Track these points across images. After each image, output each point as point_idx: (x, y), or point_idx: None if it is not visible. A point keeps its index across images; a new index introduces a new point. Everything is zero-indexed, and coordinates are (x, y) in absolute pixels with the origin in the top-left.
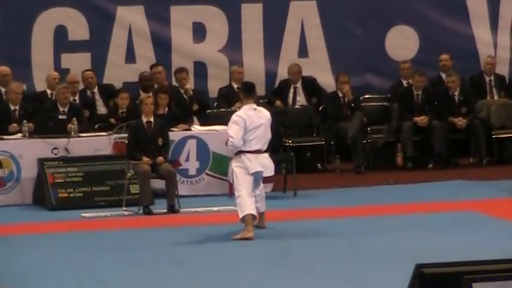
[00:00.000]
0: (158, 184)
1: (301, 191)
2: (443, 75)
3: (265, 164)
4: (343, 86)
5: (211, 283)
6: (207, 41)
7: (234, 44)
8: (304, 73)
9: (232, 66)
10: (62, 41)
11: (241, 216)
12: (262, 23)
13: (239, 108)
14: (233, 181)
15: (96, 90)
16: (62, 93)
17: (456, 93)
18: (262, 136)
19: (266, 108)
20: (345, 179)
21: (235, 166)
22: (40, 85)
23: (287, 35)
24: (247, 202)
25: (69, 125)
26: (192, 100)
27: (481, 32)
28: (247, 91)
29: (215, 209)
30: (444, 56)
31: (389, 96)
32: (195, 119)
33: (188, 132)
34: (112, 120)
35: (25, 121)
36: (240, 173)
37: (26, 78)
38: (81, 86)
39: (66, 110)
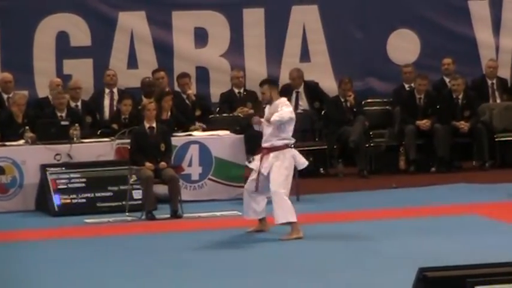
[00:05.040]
0: (161, 189)
1: (304, 196)
2: (446, 79)
3: None
4: (346, 92)
5: None
6: (209, 46)
7: (235, 49)
8: (306, 77)
9: (231, 72)
10: (64, 47)
11: (294, 220)
12: (264, 27)
13: (241, 113)
14: (281, 179)
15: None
16: (59, 99)
17: (460, 96)
18: None
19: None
20: (348, 183)
21: (290, 164)
22: (42, 91)
23: (289, 40)
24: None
25: (72, 131)
26: (194, 105)
27: (483, 35)
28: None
29: (218, 214)
30: (447, 60)
31: (391, 100)
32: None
33: (191, 138)
34: (114, 125)
35: (27, 127)
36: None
37: (28, 85)
38: (84, 92)
39: (64, 115)
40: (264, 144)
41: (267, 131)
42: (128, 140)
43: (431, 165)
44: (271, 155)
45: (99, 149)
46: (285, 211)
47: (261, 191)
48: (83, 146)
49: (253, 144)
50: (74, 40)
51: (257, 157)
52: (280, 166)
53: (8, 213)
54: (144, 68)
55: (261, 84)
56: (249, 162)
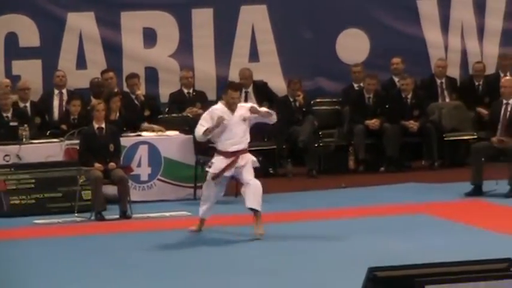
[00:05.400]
0: (110, 190)
1: None
2: (396, 79)
3: None
4: (295, 92)
5: None
6: (158, 46)
7: (184, 49)
8: (255, 77)
9: (180, 72)
10: (12, 48)
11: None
12: (213, 27)
13: (191, 113)
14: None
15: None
16: (3, 99)
17: (409, 96)
18: None
19: None
20: (297, 183)
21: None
22: None
23: (238, 40)
24: None
25: (21, 132)
26: (143, 105)
27: (431, 34)
28: None
29: (167, 214)
30: (395, 60)
31: (340, 99)
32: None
33: (140, 138)
34: (64, 126)
35: None
36: None
37: None
38: (33, 93)
39: (9, 115)
40: (236, 147)
41: (238, 132)
42: (77, 141)
43: (380, 165)
44: (241, 157)
45: (48, 149)
46: (257, 199)
47: (219, 196)
48: (32, 146)
49: (202, 145)
50: (22, 41)
51: (223, 161)
52: (251, 165)
53: None
54: (93, 69)
55: (237, 89)
56: (209, 167)
